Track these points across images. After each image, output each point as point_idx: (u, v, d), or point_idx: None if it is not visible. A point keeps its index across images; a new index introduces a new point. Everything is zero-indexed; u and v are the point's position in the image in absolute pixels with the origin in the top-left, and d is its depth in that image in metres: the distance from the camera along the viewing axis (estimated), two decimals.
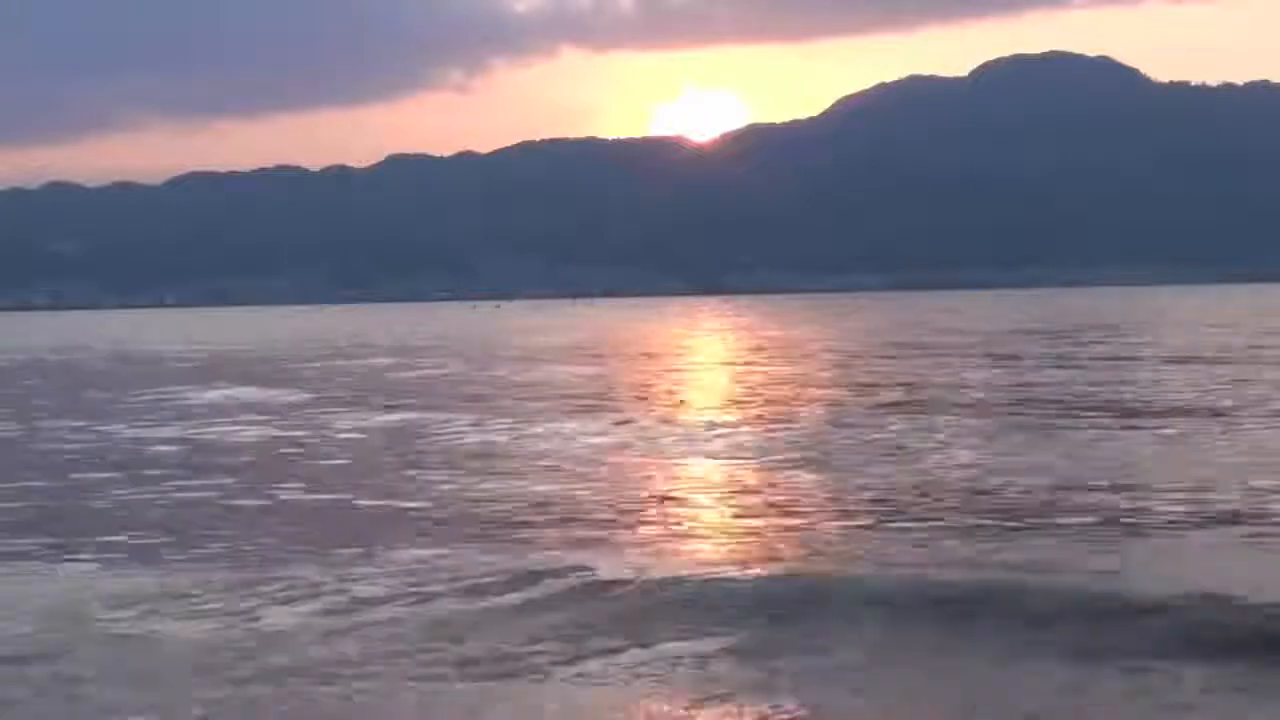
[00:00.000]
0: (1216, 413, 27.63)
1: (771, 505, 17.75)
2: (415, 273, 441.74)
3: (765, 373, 46.11)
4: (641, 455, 23.65)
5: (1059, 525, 15.69)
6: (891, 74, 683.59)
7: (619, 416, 30.10)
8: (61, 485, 21.39)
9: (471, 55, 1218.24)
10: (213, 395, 40.27)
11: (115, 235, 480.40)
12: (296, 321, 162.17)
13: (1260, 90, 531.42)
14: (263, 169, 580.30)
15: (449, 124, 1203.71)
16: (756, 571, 13.34)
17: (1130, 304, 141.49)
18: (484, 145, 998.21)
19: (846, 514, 16.86)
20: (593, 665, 10.57)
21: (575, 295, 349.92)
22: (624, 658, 10.74)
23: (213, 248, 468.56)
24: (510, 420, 29.58)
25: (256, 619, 12.09)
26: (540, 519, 17.11)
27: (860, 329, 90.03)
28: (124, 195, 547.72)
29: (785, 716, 9.33)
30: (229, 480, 21.51)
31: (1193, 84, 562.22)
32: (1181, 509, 16.44)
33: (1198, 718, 9.32)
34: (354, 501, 19.12)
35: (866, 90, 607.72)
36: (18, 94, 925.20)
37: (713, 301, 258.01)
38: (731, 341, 77.57)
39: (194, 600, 12.83)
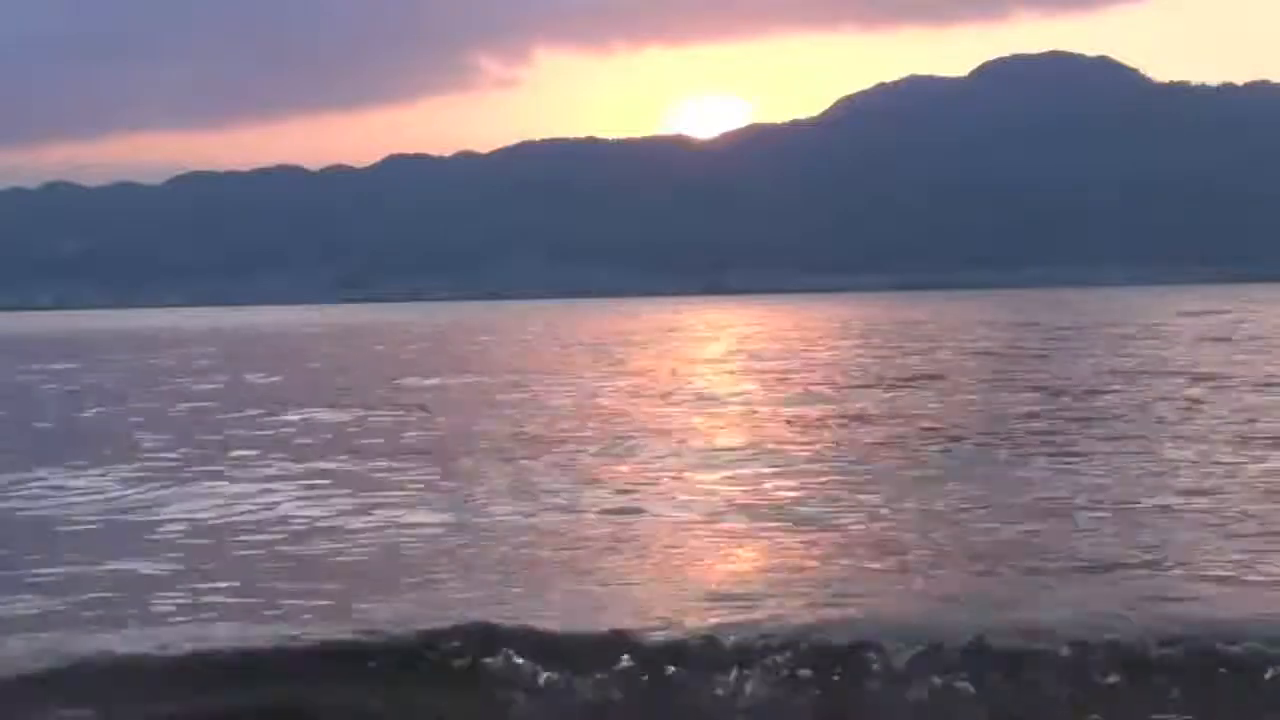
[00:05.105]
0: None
1: None
2: (415, 273, 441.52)
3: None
4: None
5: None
6: (891, 74, 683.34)
7: None
8: None
9: (471, 55, 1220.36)
10: None
11: (116, 235, 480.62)
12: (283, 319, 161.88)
13: (1260, 90, 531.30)
14: (263, 169, 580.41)
15: (449, 124, 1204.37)
16: None
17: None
18: (484, 145, 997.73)
19: None
20: None
21: (574, 295, 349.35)
22: None
23: (213, 248, 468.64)
24: None
25: None
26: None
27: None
28: (124, 195, 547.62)
29: None
30: None
31: (1193, 84, 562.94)
32: None
33: None
34: None
35: (866, 90, 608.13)
36: (18, 94, 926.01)
37: (714, 302, 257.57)
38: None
39: None
